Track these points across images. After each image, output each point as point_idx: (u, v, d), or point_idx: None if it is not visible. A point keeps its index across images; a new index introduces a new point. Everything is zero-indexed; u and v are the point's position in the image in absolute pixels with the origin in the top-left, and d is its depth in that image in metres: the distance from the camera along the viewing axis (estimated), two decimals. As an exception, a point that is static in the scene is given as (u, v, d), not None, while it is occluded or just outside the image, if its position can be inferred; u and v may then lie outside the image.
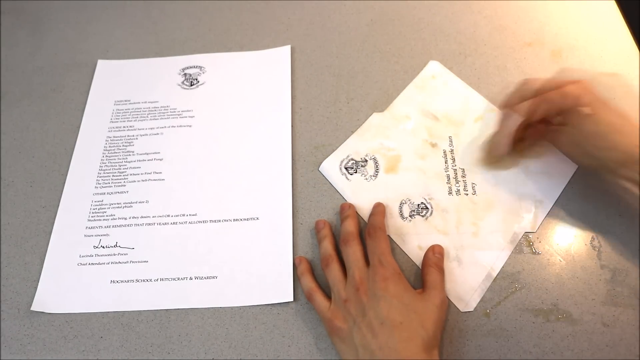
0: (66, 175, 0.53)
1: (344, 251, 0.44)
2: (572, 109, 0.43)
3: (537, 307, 0.43)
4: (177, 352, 0.43)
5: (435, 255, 0.44)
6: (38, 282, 0.46)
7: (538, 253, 0.45)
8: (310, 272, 0.45)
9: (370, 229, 0.45)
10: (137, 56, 0.61)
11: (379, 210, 0.47)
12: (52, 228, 0.49)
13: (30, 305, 0.45)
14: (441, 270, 0.44)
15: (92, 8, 0.66)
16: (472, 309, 0.43)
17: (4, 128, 0.57)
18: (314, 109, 0.55)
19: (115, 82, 0.59)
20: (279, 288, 0.45)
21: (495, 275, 0.44)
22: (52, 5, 0.67)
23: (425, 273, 0.43)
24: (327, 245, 0.45)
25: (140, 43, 0.62)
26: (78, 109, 0.57)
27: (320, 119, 0.55)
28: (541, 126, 0.47)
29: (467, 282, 0.44)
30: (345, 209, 0.47)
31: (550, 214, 0.47)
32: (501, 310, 0.43)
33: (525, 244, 0.46)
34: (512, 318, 0.42)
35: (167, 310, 0.45)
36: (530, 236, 0.46)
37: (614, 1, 0.60)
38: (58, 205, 0.51)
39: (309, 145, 0.53)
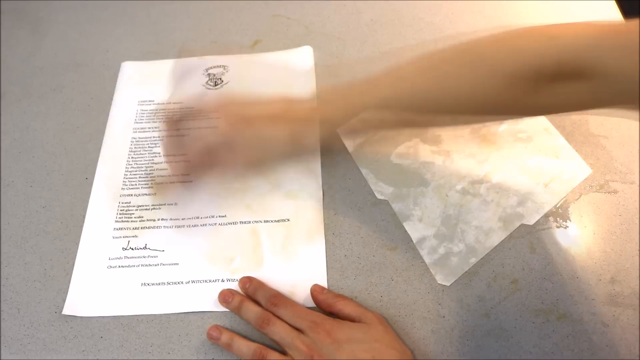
0: (66, 174, 0.53)
1: (269, 332, 0.41)
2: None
3: (537, 307, 0.43)
4: (177, 352, 0.43)
5: (327, 294, 0.43)
6: (38, 282, 0.46)
7: (538, 253, 0.45)
8: (239, 335, 0.42)
9: (271, 300, 0.42)
10: (137, 56, 0.61)
11: (257, 283, 0.44)
12: (82, 230, 0.49)
13: (30, 305, 0.45)
14: (344, 298, 0.43)
15: (92, 8, 0.66)
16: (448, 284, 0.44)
17: (4, 128, 0.57)
18: (314, 109, 0.55)
19: (138, 82, 0.59)
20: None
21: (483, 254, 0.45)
22: (52, 5, 0.67)
23: (338, 309, 0.41)
24: (253, 306, 0.42)
25: (140, 43, 0.62)
26: (78, 109, 0.57)
27: (320, 119, 0.55)
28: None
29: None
30: (230, 297, 0.43)
31: (550, 214, 0.47)
32: (501, 310, 0.43)
33: (524, 244, 0.46)
34: (512, 318, 0.42)
35: (167, 310, 0.45)
36: (530, 236, 0.46)
37: (614, 1, 0.60)
38: (59, 206, 0.51)
39: (309, 145, 0.53)
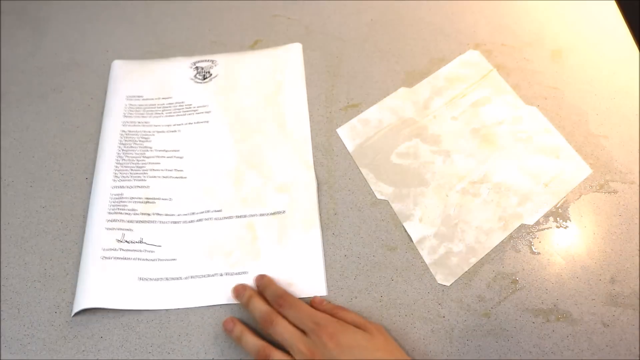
0: (66, 174, 0.53)
1: (272, 332, 0.41)
2: None
3: (537, 307, 0.43)
4: (177, 352, 0.43)
5: (326, 305, 0.43)
6: (38, 282, 0.46)
7: (538, 253, 0.45)
8: (251, 330, 0.42)
9: (277, 301, 0.42)
10: (137, 56, 0.61)
11: (267, 281, 0.45)
12: (84, 227, 0.49)
13: (29, 305, 0.45)
14: (344, 309, 0.43)
15: (91, 8, 0.66)
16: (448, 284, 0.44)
17: (4, 128, 0.57)
18: (314, 109, 0.55)
19: (126, 78, 0.59)
20: (312, 281, 0.45)
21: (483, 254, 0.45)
22: (52, 5, 0.67)
23: (339, 318, 0.41)
24: (260, 304, 0.42)
25: (140, 43, 0.62)
26: (78, 109, 0.57)
27: (320, 119, 0.55)
28: None
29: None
30: (242, 291, 0.44)
31: (550, 214, 0.47)
32: (501, 310, 0.43)
33: (524, 244, 0.46)
34: (512, 318, 0.43)
35: (167, 310, 0.45)
36: (530, 236, 0.46)
37: (614, 1, 0.60)
38: (59, 205, 0.51)
39: (309, 145, 0.53)
